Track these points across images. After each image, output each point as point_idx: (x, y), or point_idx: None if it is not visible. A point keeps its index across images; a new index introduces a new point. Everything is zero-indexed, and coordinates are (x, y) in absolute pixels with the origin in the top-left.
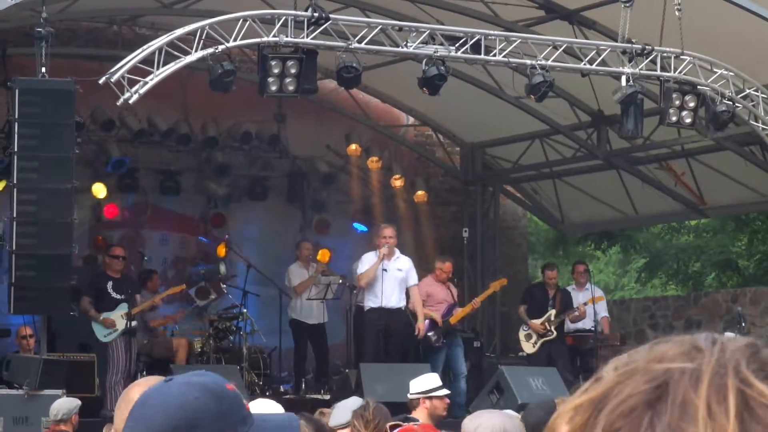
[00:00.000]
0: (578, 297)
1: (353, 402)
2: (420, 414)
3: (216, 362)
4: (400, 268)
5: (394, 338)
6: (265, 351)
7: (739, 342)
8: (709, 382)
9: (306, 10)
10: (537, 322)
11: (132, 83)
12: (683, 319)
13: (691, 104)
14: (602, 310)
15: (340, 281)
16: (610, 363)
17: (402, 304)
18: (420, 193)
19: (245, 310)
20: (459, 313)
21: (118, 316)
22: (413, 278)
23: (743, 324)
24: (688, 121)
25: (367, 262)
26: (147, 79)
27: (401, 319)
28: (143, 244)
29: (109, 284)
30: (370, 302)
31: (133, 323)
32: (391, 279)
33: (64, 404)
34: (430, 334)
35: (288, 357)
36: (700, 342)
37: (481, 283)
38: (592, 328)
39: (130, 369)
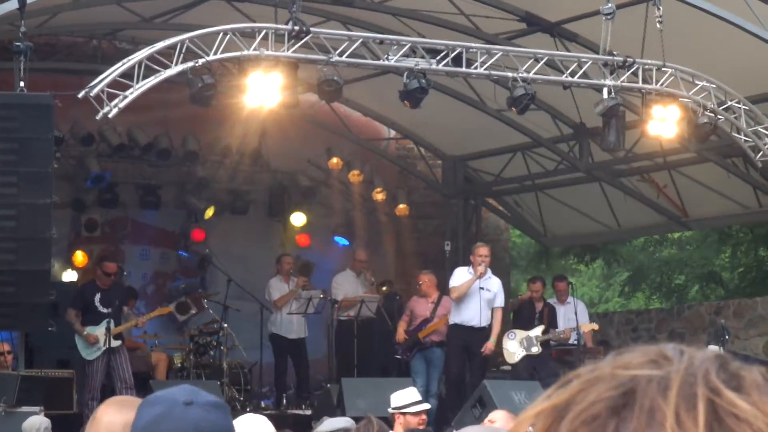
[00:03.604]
0: (560, 311)
1: (339, 422)
2: (397, 430)
3: (196, 377)
4: (490, 288)
5: (475, 356)
6: (246, 366)
7: (707, 353)
8: (678, 390)
9: (287, 24)
10: (522, 334)
11: (111, 97)
12: (666, 332)
13: (673, 116)
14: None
15: (321, 296)
16: (575, 371)
17: (488, 323)
18: (402, 206)
19: (225, 325)
20: (429, 327)
21: (102, 333)
22: (500, 300)
23: (727, 337)
24: (670, 133)
25: (458, 276)
26: (127, 93)
27: (483, 337)
28: (123, 259)
29: (97, 297)
30: (458, 318)
31: (118, 342)
32: (483, 299)
33: (36, 422)
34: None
35: (269, 372)
36: (668, 351)
37: None
38: (575, 341)
39: (115, 386)
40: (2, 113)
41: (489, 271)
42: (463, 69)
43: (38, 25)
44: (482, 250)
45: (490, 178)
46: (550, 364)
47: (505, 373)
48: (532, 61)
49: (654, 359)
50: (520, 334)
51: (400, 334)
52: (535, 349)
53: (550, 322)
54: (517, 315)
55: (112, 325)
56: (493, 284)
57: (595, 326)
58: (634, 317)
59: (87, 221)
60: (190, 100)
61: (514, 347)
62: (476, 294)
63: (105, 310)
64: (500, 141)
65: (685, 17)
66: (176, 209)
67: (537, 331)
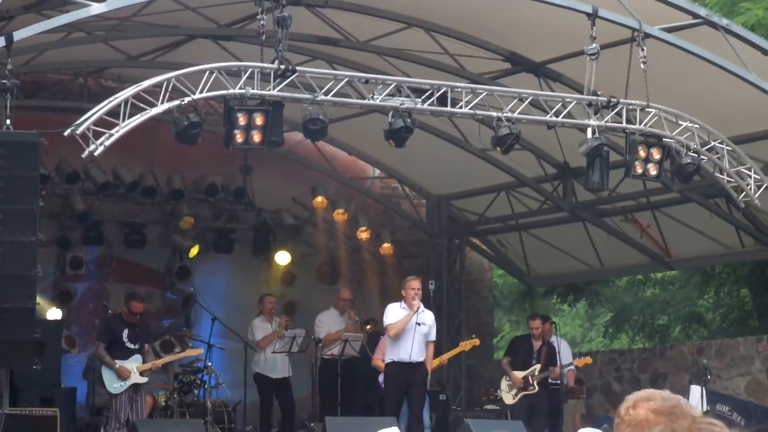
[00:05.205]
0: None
1: None
2: None
3: (180, 416)
4: (425, 322)
5: (417, 390)
6: (230, 405)
7: None
8: None
9: (272, 63)
10: (519, 375)
11: (97, 135)
12: (649, 372)
13: (657, 156)
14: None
15: (304, 335)
16: None
17: (423, 357)
18: (386, 245)
19: (210, 364)
20: None
21: (134, 367)
22: (433, 334)
23: (709, 377)
24: (654, 173)
25: (392, 313)
26: (112, 131)
27: (422, 372)
28: (108, 297)
29: (125, 332)
30: (394, 356)
31: (144, 379)
32: (420, 333)
33: None
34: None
35: (253, 411)
36: None
37: (446, 335)
38: (558, 381)
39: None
40: None
41: (421, 304)
42: (448, 108)
43: (25, 63)
44: (414, 283)
45: (474, 217)
46: (547, 404)
47: (489, 413)
48: (516, 100)
49: None
50: (517, 374)
51: (379, 364)
52: (531, 388)
53: (548, 361)
54: (513, 355)
55: (144, 359)
56: (428, 318)
57: (589, 360)
58: (617, 357)
59: (72, 259)
60: (176, 139)
61: (512, 388)
62: (412, 330)
63: (132, 346)
64: (484, 180)
65: (669, 58)
66: (161, 247)
67: (534, 370)
